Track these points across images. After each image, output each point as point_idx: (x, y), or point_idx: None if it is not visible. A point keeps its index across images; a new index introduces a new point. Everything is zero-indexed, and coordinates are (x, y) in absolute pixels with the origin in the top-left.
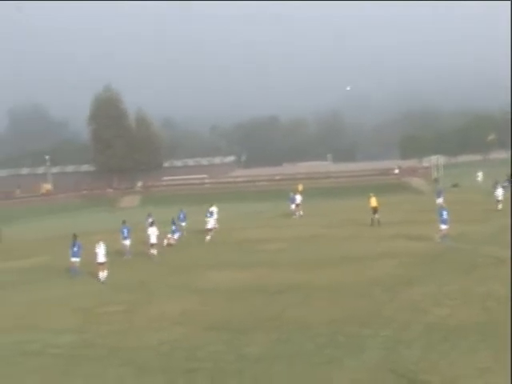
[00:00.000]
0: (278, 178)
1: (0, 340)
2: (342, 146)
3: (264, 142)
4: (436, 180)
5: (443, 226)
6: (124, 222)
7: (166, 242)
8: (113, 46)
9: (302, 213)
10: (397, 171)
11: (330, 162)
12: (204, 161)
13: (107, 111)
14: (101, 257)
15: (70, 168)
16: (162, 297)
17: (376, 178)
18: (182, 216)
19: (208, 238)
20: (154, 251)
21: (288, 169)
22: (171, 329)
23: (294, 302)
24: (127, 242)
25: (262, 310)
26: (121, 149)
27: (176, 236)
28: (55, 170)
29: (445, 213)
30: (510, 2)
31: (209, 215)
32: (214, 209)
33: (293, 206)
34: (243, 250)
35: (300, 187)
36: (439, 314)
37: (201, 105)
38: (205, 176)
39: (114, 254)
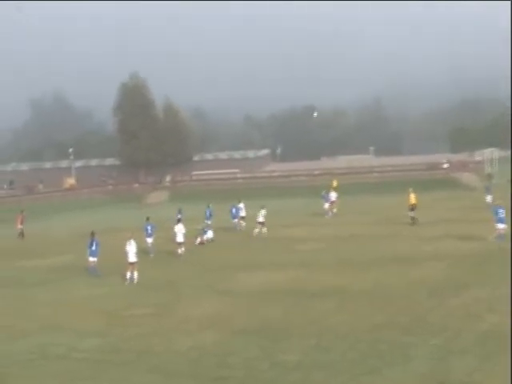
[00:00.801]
0: (316, 172)
1: (23, 342)
2: (385, 138)
3: (300, 134)
4: (489, 175)
5: (500, 226)
6: (148, 219)
7: (199, 240)
8: (139, 33)
9: (335, 210)
10: (446, 165)
11: (372, 155)
12: (236, 154)
13: (133, 100)
14: (132, 256)
15: (94, 161)
16: (191, 299)
17: (423, 173)
18: (208, 213)
19: (256, 231)
20: (180, 250)
21: (326, 163)
22: (201, 333)
23: (333, 307)
24: (150, 240)
25: (298, 315)
26: (147, 140)
27: (207, 235)
28: (79, 163)
29: (501, 211)
30: None
31: (262, 212)
32: (241, 205)
33: (326, 205)
34: (278, 249)
35: (335, 183)
36: (492, 320)
37: (233, 94)
38: (237, 170)
39: (140, 252)
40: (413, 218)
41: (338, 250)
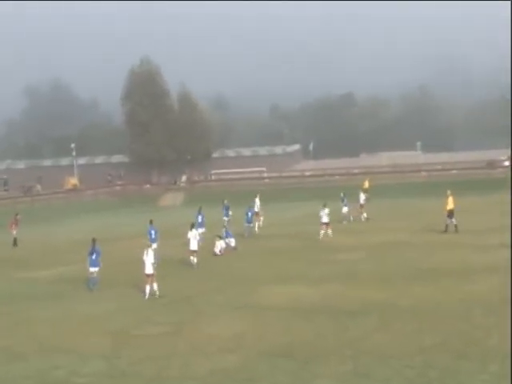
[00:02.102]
0: (355, 171)
1: (19, 366)
2: (434, 131)
3: (336, 127)
4: None
5: None
6: (151, 223)
7: (219, 247)
8: (152, 14)
9: (365, 215)
10: (507, 163)
11: (419, 151)
12: (262, 150)
13: (144, 88)
14: (148, 267)
15: (99, 158)
16: (211, 316)
17: (479, 172)
18: (224, 211)
19: (322, 232)
20: (194, 259)
21: (366, 160)
22: (222, 355)
23: (374, 326)
24: (154, 246)
25: (333, 335)
26: (160, 134)
27: (230, 242)
28: (82, 160)
29: None
30: None
31: (325, 211)
32: (256, 200)
33: (345, 209)
34: (310, 260)
35: (366, 183)
36: None
37: (259, 80)
38: (263, 169)
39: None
40: (448, 226)
41: (379, 261)
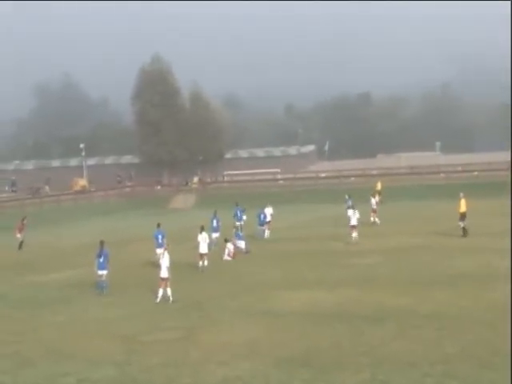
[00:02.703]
0: (374, 173)
1: (28, 372)
2: (454, 131)
3: (353, 127)
4: None
5: None
6: (158, 226)
7: (226, 251)
8: (163, 13)
9: (377, 220)
10: None
11: (438, 152)
12: (277, 151)
13: (155, 87)
14: (164, 270)
15: (109, 159)
16: (223, 322)
17: (501, 174)
18: (238, 214)
19: (354, 235)
20: (203, 263)
21: (384, 161)
22: (234, 363)
23: (392, 333)
24: (161, 251)
25: (350, 343)
26: (172, 134)
27: (240, 244)
28: (92, 161)
29: None
30: None
31: (355, 213)
32: (269, 210)
33: (349, 213)
34: (325, 264)
35: (379, 185)
36: None
37: (273, 79)
38: (277, 170)
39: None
40: (464, 230)
41: (397, 265)
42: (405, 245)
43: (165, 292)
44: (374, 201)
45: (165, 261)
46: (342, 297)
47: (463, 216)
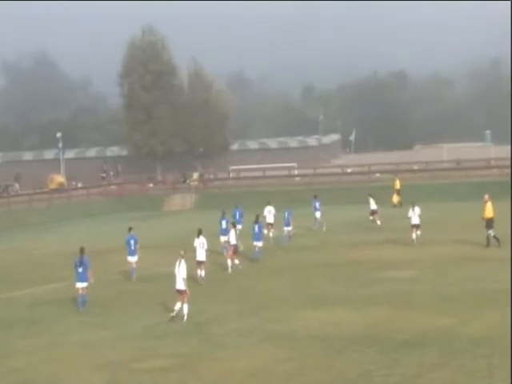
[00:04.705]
0: (414, 167)
1: None
2: (508, 118)
3: (384, 113)
4: None
5: None
6: (130, 230)
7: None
8: None
9: (379, 223)
10: None
11: (488, 142)
12: (293, 141)
13: (147, 65)
14: (179, 282)
15: (91, 151)
16: (228, 347)
17: None
18: (237, 215)
19: (414, 236)
20: (200, 272)
21: (423, 153)
22: None
23: (432, 361)
24: (134, 259)
25: (381, 372)
26: (167, 121)
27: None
28: (70, 154)
29: None
30: None
31: (416, 210)
32: (270, 208)
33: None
34: (350, 277)
35: (397, 184)
36: None
37: (289, 56)
38: (293, 164)
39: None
40: (488, 238)
41: (436, 280)
42: (445, 255)
43: (182, 308)
44: (372, 200)
45: (181, 271)
46: (371, 317)
47: (490, 222)
